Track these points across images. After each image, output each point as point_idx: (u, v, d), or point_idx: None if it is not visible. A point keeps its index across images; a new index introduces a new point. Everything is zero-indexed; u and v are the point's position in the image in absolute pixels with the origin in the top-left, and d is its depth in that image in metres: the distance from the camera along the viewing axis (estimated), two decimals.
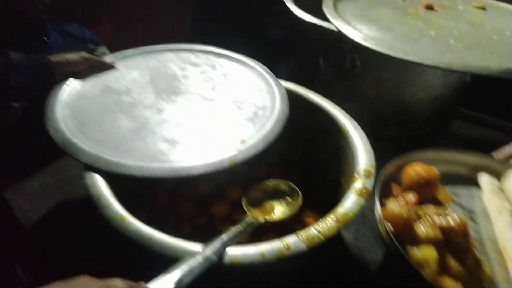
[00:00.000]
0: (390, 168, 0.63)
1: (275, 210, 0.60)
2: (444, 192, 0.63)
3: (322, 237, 0.44)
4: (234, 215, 0.67)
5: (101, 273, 0.36)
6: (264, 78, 0.75)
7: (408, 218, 0.54)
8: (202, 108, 0.67)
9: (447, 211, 0.57)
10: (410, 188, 0.61)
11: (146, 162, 0.53)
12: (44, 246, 0.69)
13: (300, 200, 0.61)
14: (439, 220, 0.54)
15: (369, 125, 0.67)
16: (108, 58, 0.76)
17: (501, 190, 0.64)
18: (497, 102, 1.10)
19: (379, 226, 0.56)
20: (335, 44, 0.87)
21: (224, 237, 0.44)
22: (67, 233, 0.71)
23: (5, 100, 0.73)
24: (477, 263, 0.53)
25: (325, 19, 0.87)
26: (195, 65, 0.79)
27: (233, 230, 0.47)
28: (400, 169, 0.64)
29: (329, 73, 0.97)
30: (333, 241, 0.46)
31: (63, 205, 0.79)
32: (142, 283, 0.36)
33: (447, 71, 0.75)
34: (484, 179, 0.66)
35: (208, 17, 1.27)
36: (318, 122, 0.71)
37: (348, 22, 0.85)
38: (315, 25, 0.88)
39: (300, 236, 0.44)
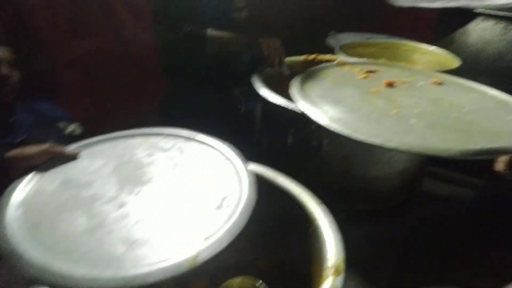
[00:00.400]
0: None
1: None
2: None
3: None
4: None
5: None
6: (232, 163, 0.75)
7: None
8: (166, 199, 0.65)
9: None
10: None
11: (98, 270, 0.49)
12: None
13: None
14: None
15: (337, 199, 0.66)
16: (72, 147, 0.75)
17: None
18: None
19: None
20: (303, 124, 0.89)
21: None
22: None
23: None
24: None
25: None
26: (164, 150, 0.79)
27: None
28: None
29: (298, 149, 0.98)
30: None
31: None
32: None
33: (409, 153, 0.77)
34: None
35: (182, 96, 1.30)
36: (286, 208, 0.70)
37: (314, 104, 0.88)
38: (282, 107, 0.91)
39: None
